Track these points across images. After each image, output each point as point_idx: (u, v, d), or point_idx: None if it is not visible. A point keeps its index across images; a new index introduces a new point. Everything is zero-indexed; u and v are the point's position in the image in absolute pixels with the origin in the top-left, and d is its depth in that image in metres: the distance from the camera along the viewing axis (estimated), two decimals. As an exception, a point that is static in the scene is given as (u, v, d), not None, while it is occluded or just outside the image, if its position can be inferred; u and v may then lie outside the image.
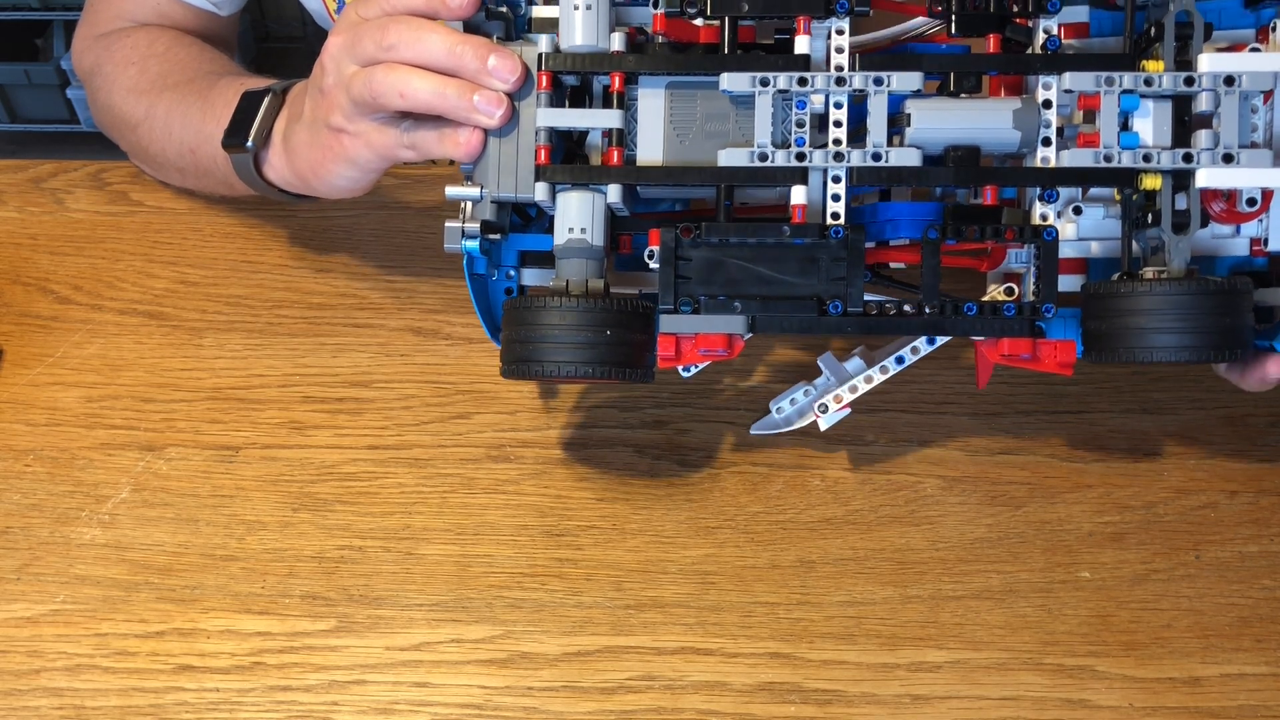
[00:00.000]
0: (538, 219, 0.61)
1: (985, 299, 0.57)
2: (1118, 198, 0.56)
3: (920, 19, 0.58)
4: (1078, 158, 0.54)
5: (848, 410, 0.61)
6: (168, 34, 0.83)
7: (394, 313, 0.74)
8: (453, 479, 0.65)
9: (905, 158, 0.55)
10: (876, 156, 0.55)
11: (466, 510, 0.63)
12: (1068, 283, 0.58)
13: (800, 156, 0.55)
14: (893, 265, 0.60)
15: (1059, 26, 0.56)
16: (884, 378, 0.61)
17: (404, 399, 0.69)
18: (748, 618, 0.58)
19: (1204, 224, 0.55)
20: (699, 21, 0.57)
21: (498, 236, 0.58)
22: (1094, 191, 0.57)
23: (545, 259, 0.61)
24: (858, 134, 0.56)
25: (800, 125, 0.55)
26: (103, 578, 0.60)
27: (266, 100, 0.68)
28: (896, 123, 0.56)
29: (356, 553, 0.61)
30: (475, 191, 0.57)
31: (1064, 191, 0.56)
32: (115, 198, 0.82)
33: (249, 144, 0.67)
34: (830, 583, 0.60)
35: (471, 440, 0.67)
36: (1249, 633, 0.57)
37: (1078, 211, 0.57)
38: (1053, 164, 0.55)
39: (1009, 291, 0.58)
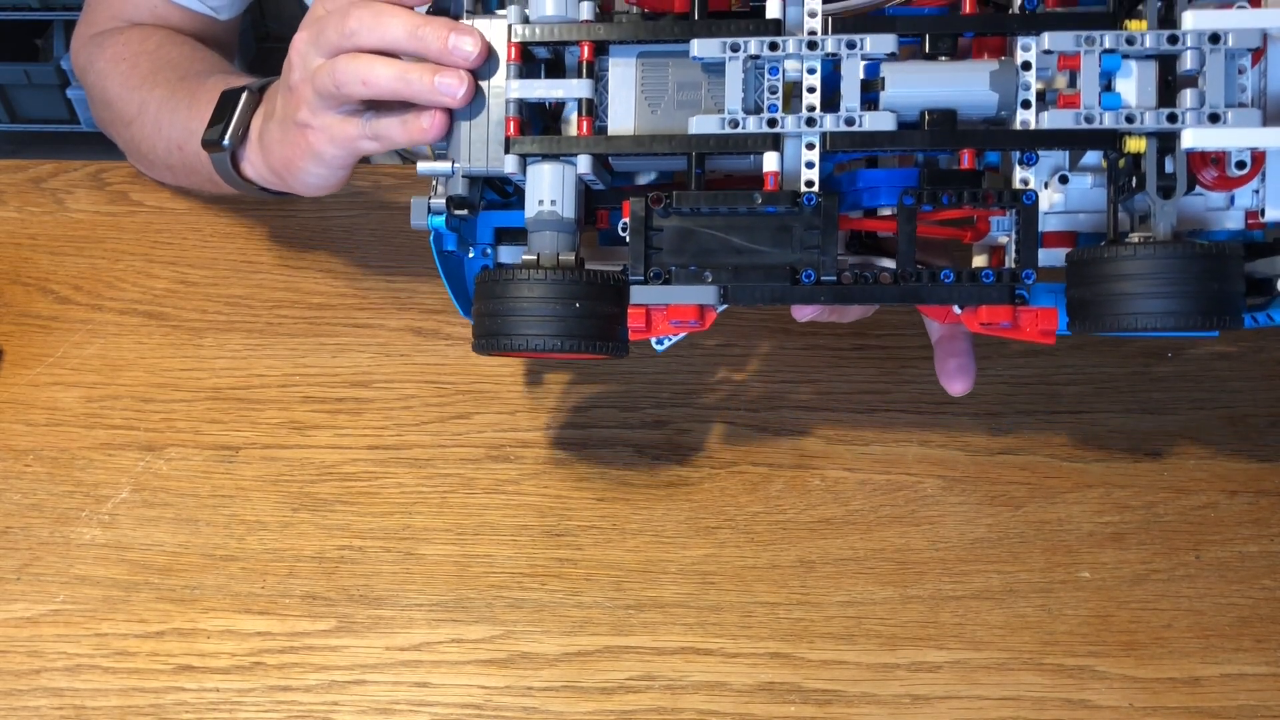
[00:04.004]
0: (515, 194, 0.61)
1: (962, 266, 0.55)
2: (1104, 164, 0.54)
3: None
4: (1057, 119, 0.53)
5: None
6: (160, 32, 0.83)
7: (394, 313, 0.74)
8: (453, 479, 0.65)
9: (879, 122, 0.53)
10: (850, 121, 0.53)
11: (466, 510, 0.63)
12: (1056, 257, 0.56)
13: (772, 123, 0.54)
14: (881, 235, 0.59)
15: None
16: None
17: (404, 399, 0.69)
18: (748, 618, 0.58)
19: (1190, 187, 0.53)
20: None
21: (465, 213, 0.58)
22: (1081, 160, 0.56)
23: (522, 235, 0.60)
24: (833, 102, 0.54)
25: (773, 92, 0.54)
26: (103, 578, 0.60)
27: (243, 98, 0.69)
28: (872, 88, 0.54)
29: (356, 553, 0.61)
30: (446, 166, 0.57)
31: (1049, 159, 0.55)
32: (115, 198, 0.82)
33: (225, 143, 0.68)
34: (830, 583, 0.60)
35: (471, 440, 0.67)
36: (1249, 633, 0.57)
37: (1064, 180, 0.55)
38: (1033, 126, 0.53)
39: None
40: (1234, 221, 0.56)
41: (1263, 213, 0.55)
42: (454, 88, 0.56)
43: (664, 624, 0.58)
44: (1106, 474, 0.64)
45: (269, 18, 2.00)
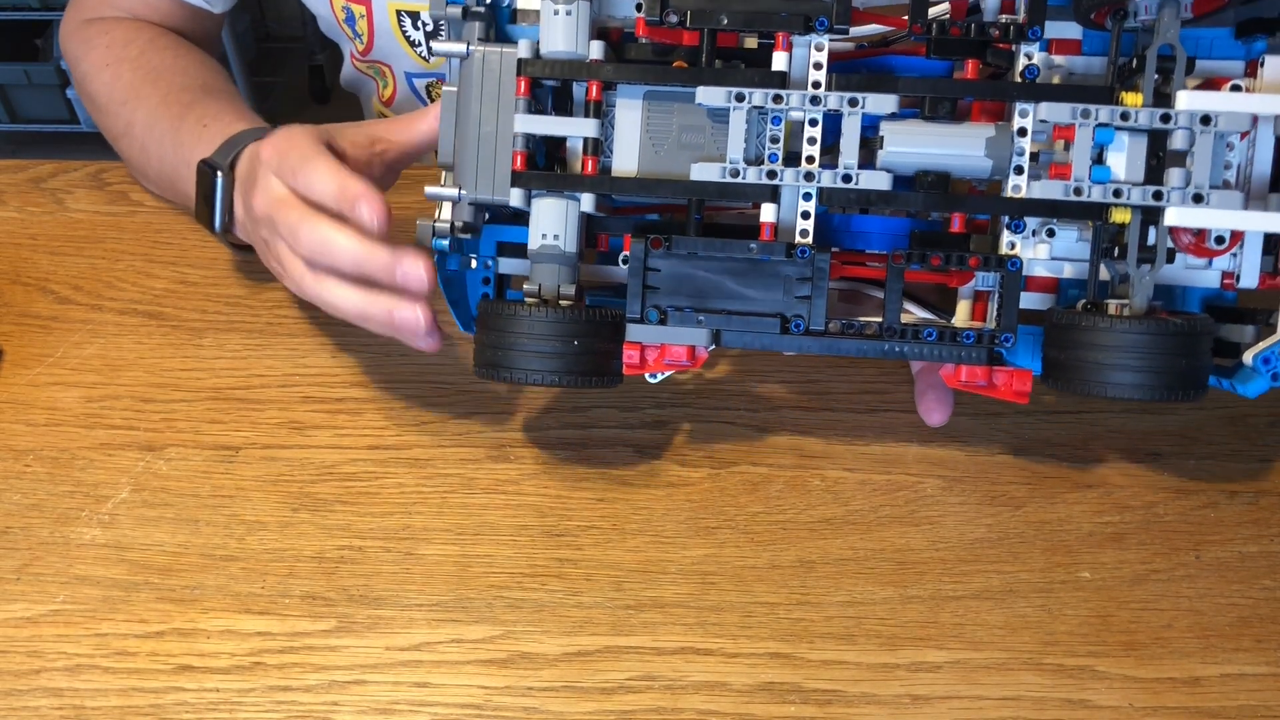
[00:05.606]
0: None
1: (945, 324, 0.58)
2: (1090, 225, 0.56)
3: (890, 27, 0.59)
4: (1048, 189, 0.55)
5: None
6: (144, 34, 0.83)
7: (394, 313, 0.74)
8: (453, 479, 0.65)
9: (875, 181, 0.55)
10: (847, 178, 0.55)
11: (466, 510, 0.63)
12: (1037, 300, 0.58)
13: (771, 174, 0.56)
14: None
15: (1050, 41, 0.56)
16: None
17: (404, 399, 0.69)
18: (748, 618, 0.58)
19: (1170, 259, 0.55)
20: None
21: (469, 236, 0.60)
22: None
23: (523, 250, 0.61)
24: (833, 149, 0.56)
25: (774, 141, 0.56)
26: (103, 578, 0.60)
27: (220, 184, 0.68)
28: (870, 141, 0.56)
29: (356, 553, 0.61)
30: (454, 192, 0.58)
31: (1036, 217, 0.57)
32: (115, 198, 0.82)
33: (216, 228, 0.69)
34: (830, 583, 0.60)
35: (471, 440, 0.67)
36: (1249, 633, 0.57)
37: (1050, 234, 0.57)
38: (1023, 193, 0.55)
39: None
40: (1210, 281, 0.58)
41: (1238, 278, 0.57)
42: (412, 324, 0.58)
43: (664, 624, 0.58)
44: (1106, 474, 0.64)
45: (269, 18, 2.00)
